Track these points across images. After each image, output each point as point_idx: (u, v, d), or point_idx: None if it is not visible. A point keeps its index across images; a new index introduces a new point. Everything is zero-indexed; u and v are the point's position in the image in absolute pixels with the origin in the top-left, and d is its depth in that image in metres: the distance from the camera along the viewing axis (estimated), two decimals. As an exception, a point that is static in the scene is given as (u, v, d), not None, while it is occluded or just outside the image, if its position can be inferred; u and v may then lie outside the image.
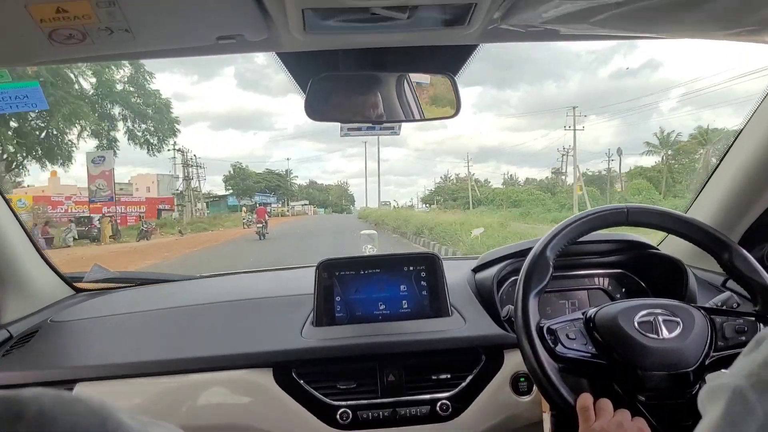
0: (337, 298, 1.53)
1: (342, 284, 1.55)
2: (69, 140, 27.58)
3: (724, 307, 1.25)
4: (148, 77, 31.01)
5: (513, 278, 1.62)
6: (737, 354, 0.60)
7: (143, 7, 0.88)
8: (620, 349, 1.14)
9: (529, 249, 1.28)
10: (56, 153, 26.80)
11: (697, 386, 1.13)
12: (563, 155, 48.98)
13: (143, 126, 32.04)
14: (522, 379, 1.44)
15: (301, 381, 1.41)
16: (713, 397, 0.52)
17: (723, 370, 1.12)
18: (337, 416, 1.38)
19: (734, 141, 1.55)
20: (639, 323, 1.15)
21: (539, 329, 1.17)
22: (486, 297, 1.57)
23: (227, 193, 64.43)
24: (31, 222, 23.00)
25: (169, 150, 40.11)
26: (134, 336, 1.56)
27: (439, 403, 1.41)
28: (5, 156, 25.63)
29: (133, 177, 46.23)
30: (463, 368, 1.45)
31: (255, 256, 15.53)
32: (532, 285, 1.21)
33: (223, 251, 18.65)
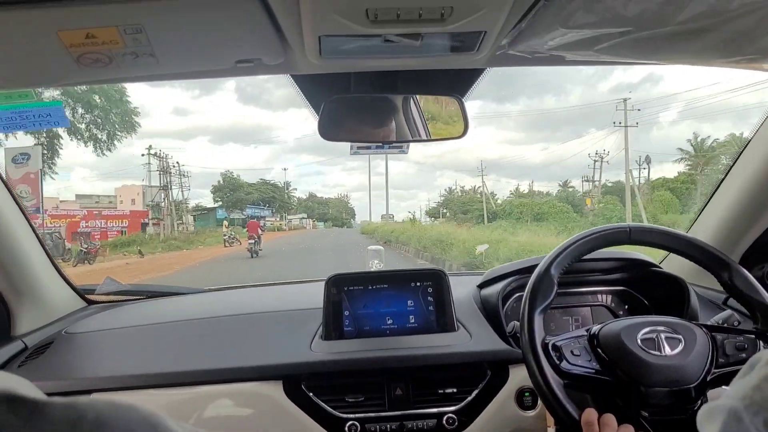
0: (346, 313, 1.56)
1: (350, 299, 1.58)
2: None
3: (725, 325, 1.28)
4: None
5: (518, 294, 1.65)
6: (738, 370, 0.63)
7: (168, 33, 0.91)
8: (624, 365, 1.17)
9: (533, 266, 1.31)
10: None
11: (699, 402, 1.15)
12: (595, 161, 43.83)
13: (88, 117, 27.42)
14: (527, 394, 1.46)
15: (311, 394, 1.44)
16: (710, 417, 0.55)
17: (724, 387, 1.14)
18: (346, 429, 1.40)
19: (736, 161, 1.59)
20: (642, 340, 1.18)
21: (544, 346, 1.20)
22: (491, 312, 1.60)
23: (216, 205, 60.50)
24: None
25: (143, 155, 38.26)
26: (146, 348, 1.59)
27: (445, 417, 1.43)
28: None
29: (118, 188, 43.91)
30: (469, 383, 1.48)
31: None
32: (538, 302, 1.24)
33: (182, 279, 15.37)
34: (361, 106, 1.35)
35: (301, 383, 1.44)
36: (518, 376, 1.46)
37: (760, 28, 0.93)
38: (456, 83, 1.34)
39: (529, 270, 1.31)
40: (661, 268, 1.71)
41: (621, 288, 1.72)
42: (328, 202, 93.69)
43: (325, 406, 1.43)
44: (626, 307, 1.70)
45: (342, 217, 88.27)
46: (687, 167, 43.14)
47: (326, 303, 1.57)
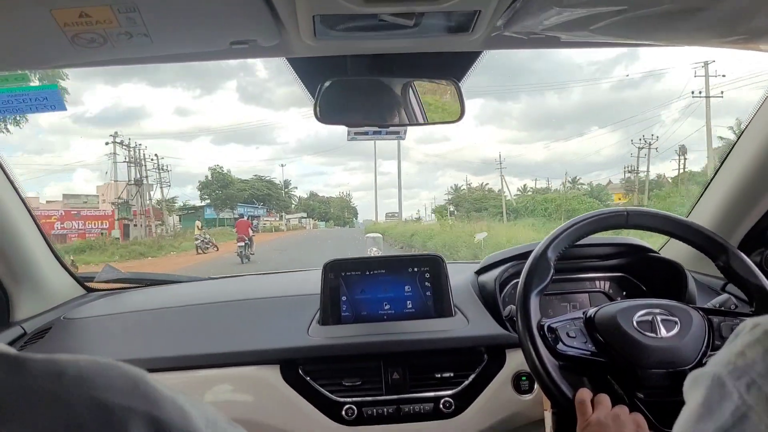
0: (343, 298, 1.57)
1: (348, 284, 1.58)
2: None
3: (722, 309, 1.28)
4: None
5: (515, 280, 1.65)
6: None
7: (162, 13, 0.91)
8: (619, 347, 1.17)
9: (530, 252, 1.31)
10: None
11: None
12: (640, 148, 37.45)
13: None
14: (524, 378, 1.47)
15: (308, 378, 1.44)
16: (695, 384, 0.55)
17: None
18: (343, 412, 1.41)
19: (733, 147, 1.58)
20: (638, 322, 1.18)
21: (540, 327, 1.20)
22: (488, 298, 1.60)
23: (203, 204, 53.77)
24: None
25: (107, 143, 32.60)
26: (145, 333, 1.60)
27: (442, 401, 1.44)
28: None
29: (100, 187, 36.93)
30: (466, 367, 1.48)
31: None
32: (534, 285, 1.24)
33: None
34: (357, 89, 1.35)
35: (298, 368, 1.45)
36: (515, 361, 1.46)
37: (754, 7, 0.93)
38: (453, 67, 1.34)
39: (527, 255, 1.31)
40: (658, 253, 1.71)
41: (619, 274, 1.72)
42: (329, 201, 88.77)
43: (323, 390, 1.43)
44: (624, 293, 1.70)
45: (344, 217, 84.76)
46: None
47: (323, 288, 1.57)
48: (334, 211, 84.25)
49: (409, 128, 1.46)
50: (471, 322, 1.53)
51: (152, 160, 36.46)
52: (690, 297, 1.51)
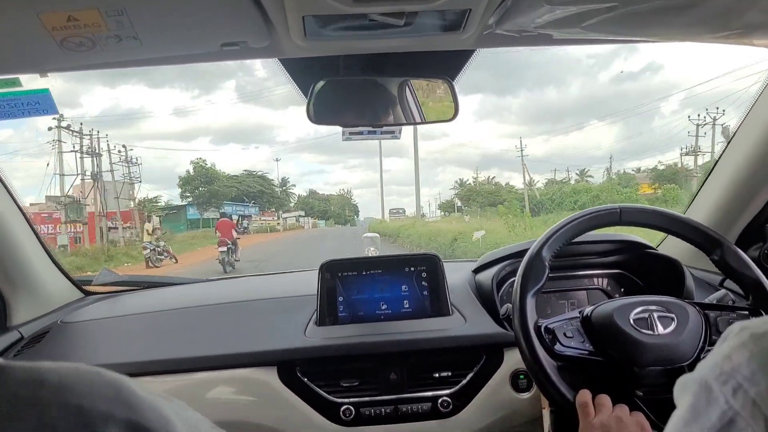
0: (340, 298, 1.56)
1: (344, 285, 1.58)
2: None
3: (719, 304, 1.28)
4: None
5: (512, 279, 1.64)
6: None
7: (150, 15, 0.91)
8: (617, 345, 1.17)
9: (527, 250, 1.31)
10: None
11: None
12: (700, 125, 31.18)
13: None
14: (521, 377, 1.46)
15: (305, 379, 1.44)
16: (684, 389, 0.55)
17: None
18: (341, 413, 1.41)
19: (729, 143, 1.58)
20: (634, 320, 1.18)
21: (537, 328, 1.20)
22: (486, 297, 1.60)
23: (185, 202, 46.74)
24: None
25: (50, 128, 25.80)
26: (142, 336, 1.60)
27: (440, 400, 1.43)
28: None
29: (76, 187, 29.34)
30: (464, 366, 1.48)
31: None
32: (529, 285, 1.24)
33: None
34: (350, 89, 1.34)
35: (295, 369, 1.45)
36: (513, 359, 1.46)
37: (746, 2, 0.92)
38: (446, 66, 1.33)
39: (523, 254, 1.31)
40: (656, 250, 1.71)
41: (617, 271, 1.72)
42: (329, 199, 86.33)
43: (320, 391, 1.43)
44: (622, 290, 1.70)
45: (345, 215, 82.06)
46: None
47: (320, 289, 1.57)
48: (334, 209, 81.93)
49: (405, 127, 1.46)
50: (468, 321, 1.53)
51: (119, 152, 31.13)
52: (688, 293, 1.50)
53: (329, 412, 1.41)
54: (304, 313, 1.58)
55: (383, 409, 1.42)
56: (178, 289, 2.01)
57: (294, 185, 79.08)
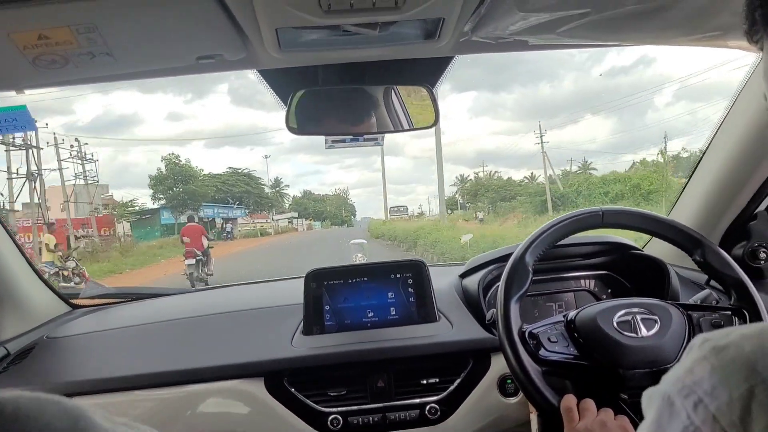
0: (326, 307, 1.56)
1: (330, 293, 1.57)
2: None
3: (702, 304, 1.28)
4: None
5: (498, 283, 1.64)
6: None
7: (122, 31, 0.91)
8: (601, 349, 1.17)
9: (512, 254, 1.31)
10: None
11: None
12: None
13: None
14: (509, 381, 1.46)
15: (293, 389, 1.43)
16: (649, 403, 0.55)
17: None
18: (328, 423, 1.40)
19: (710, 143, 1.58)
20: (618, 323, 1.18)
21: (521, 334, 1.19)
22: (472, 302, 1.59)
23: (158, 205, 41.19)
24: None
25: None
26: (129, 350, 1.59)
27: (428, 407, 1.43)
28: None
29: (49, 189, 25.70)
30: (451, 372, 1.47)
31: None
32: (513, 291, 1.23)
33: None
34: (329, 98, 1.34)
35: (283, 379, 1.44)
36: (500, 364, 1.46)
37: (718, 4, 0.93)
38: (425, 73, 1.34)
39: (509, 258, 1.31)
40: (641, 250, 1.71)
41: (603, 272, 1.72)
42: (325, 199, 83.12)
43: (308, 401, 1.42)
44: (609, 291, 1.70)
45: (341, 215, 79.61)
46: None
47: (306, 298, 1.56)
48: (330, 209, 79.23)
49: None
50: (455, 326, 1.53)
51: (72, 147, 27.06)
52: (673, 293, 1.51)
53: (317, 421, 1.41)
54: (291, 322, 1.57)
55: (371, 418, 1.42)
56: (166, 300, 2.00)
57: (287, 185, 76.90)
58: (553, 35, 1.04)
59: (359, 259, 1.99)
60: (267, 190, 59.66)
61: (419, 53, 1.15)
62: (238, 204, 50.35)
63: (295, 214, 63.63)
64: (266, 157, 74.80)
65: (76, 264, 14.92)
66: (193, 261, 12.88)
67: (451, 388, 1.46)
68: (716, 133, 1.54)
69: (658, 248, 1.75)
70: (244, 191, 51.60)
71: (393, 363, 1.47)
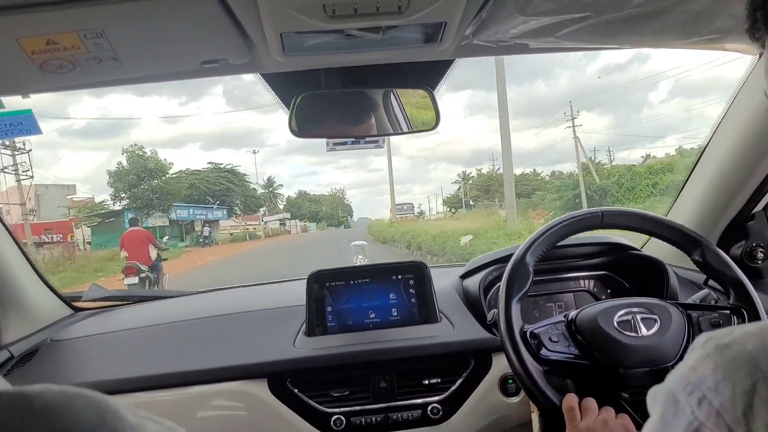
0: (329, 308, 1.57)
1: (333, 294, 1.58)
2: None
3: (702, 303, 1.29)
4: None
5: (499, 284, 1.65)
6: None
7: (129, 37, 0.92)
8: (601, 348, 1.18)
9: (512, 255, 1.32)
10: None
11: None
12: None
13: None
14: (510, 381, 1.47)
15: (295, 390, 1.45)
16: (653, 401, 0.56)
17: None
18: (331, 423, 1.41)
19: (708, 143, 1.60)
20: (618, 322, 1.19)
21: (523, 334, 1.20)
22: (473, 302, 1.61)
23: (120, 206, 33.88)
24: None
25: None
26: (133, 352, 1.60)
27: (430, 407, 1.44)
28: None
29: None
30: (453, 372, 1.49)
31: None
32: (514, 291, 1.25)
33: None
34: (331, 101, 1.35)
35: (285, 380, 1.45)
36: (501, 364, 1.47)
37: (716, 7, 0.94)
38: (426, 75, 1.35)
39: (509, 259, 1.32)
40: (640, 251, 1.72)
41: (602, 273, 1.73)
42: (320, 199, 79.00)
43: (310, 401, 1.44)
44: (608, 291, 1.71)
45: (338, 216, 76.32)
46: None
47: (309, 299, 1.57)
48: (326, 210, 75.65)
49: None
50: (456, 327, 1.54)
51: None
52: (672, 293, 1.52)
53: (320, 422, 1.42)
54: (293, 323, 1.58)
55: (374, 418, 1.43)
56: (168, 302, 2.01)
57: (281, 185, 71.02)
58: (553, 39, 1.06)
59: (360, 261, 2.00)
60: (254, 187, 52.96)
61: (421, 56, 1.17)
62: (218, 204, 43.84)
63: (287, 215, 58.21)
64: (254, 152, 72.13)
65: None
66: (136, 279, 9.76)
67: (453, 388, 1.47)
68: (714, 132, 1.56)
69: (656, 249, 1.76)
70: (225, 189, 44.75)
71: (395, 363, 1.48)
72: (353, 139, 1.46)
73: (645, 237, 1.84)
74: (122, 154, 35.95)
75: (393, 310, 1.58)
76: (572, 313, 1.26)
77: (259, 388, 1.45)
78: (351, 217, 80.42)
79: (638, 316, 1.19)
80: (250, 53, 1.05)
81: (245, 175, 49.66)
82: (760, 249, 1.60)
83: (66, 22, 0.85)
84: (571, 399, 1.13)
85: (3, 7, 0.81)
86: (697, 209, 1.66)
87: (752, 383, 0.46)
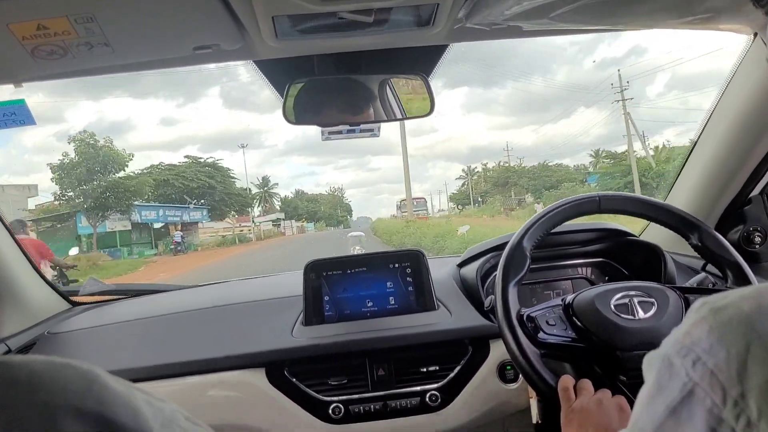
0: (326, 298, 1.57)
1: (330, 284, 1.58)
2: None
3: (699, 287, 1.29)
4: None
5: (496, 271, 1.66)
6: None
7: (120, 21, 0.92)
8: (598, 331, 1.18)
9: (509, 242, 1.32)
10: None
11: None
12: None
13: None
14: (508, 368, 1.47)
15: (294, 379, 1.45)
16: (649, 366, 0.57)
17: None
18: (330, 411, 1.41)
19: (704, 128, 1.60)
20: (615, 305, 1.19)
21: (519, 317, 1.21)
22: (470, 290, 1.61)
23: (72, 208, 29.22)
24: None
25: None
26: (130, 343, 1.60)
27: (428, 395, 1.44)
28: None
29: None
30: (451, 359, 1.49)
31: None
32: (511, 275, 1.25)
33: None
34: (326, 88, 1.35)
35: (284, 369, 1.45)
36: (499, 351, 1.47)
37: None
38: (420, 62, 1.35)
39: (506, 246, 1.32)
40: (637, 237, 1.72)
41: (600, 259, 1.74)
42: (318, 199, 77.83)
43: (309, 390, 1.44)
44: (606, 278, 1.71)
45: (337, 215, 76.07)
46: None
47: (306, 289, 1.57)
48: (324, 210, 74.27)
49: (389, 123, 1.46)
50: (454, 314, 1.54)
51: None
52: (669, 278, 1.52)
53: (319, 411, 1.42)
54: (291, 313, 1.58)
55: (372, 406, 1.43)
56: (165, 295, 2.01)
57: (276, 183, 68.78)
58: (546, 20, 1.05)
59: (357, 251, 2.00)
60: (242, 185, 47.20)
61: (414, 41, 1.16)
62: (196, 204, 38.45)
63: (282, 215, 55.30)
64: (242, 146, 62.04)
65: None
66: None
67: (451, 375, 1.47)
68: (709, 118, 1.56)
69: (653, 235, 1.76)
70: (204, 185, 38.63)
71: (393, 351, 1.48)
72: (348, 128, 1.46)
73: (642, 223, 1.84)
74: (69, 143, 29.24)
75: (390, 298, 1.58)
76: (569, 297, 1.26)
77: (258, 378, 1.45)
78: (350, 217, 79.97)
79: (635, 299, 1.19)
80: (242, 39, 1.05)
81: (229, 169, 44.52)
82: (757, 233, 1.60)
83: (57, 6, 0.85)
84: (566, 380, 1.14)
85: None
86: (694, 195, 1.66)
87: (746, 343, 0.46)
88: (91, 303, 1.97)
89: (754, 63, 1.35)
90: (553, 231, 1.33)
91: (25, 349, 1.58)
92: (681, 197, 1.70)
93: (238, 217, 45.16)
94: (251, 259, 21.38)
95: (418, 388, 1.45)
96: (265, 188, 61.43)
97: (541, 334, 1.20)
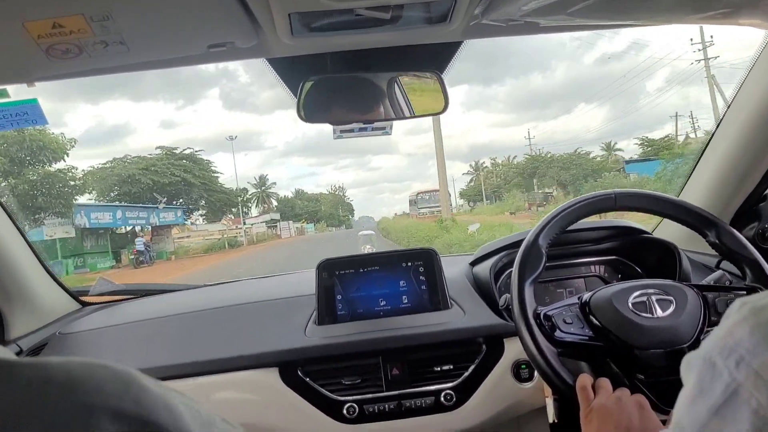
0: (339, 297, 1.56)
1: (342, 283, 1.58)
2: None
3: (717, 285, 1.28)
4: None
5: (510, 269, 1.64)
6: None
7: (136, 20, 0.91)
8: (616, 330, 1.17)
9: (523, 240, 1.31)
10: None
11: None
12: None
13: None
14: (523, 366, 1.46)
15: (307, 379, 1.44)
16: (688, 367, 0.56)
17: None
18: (344, 411, 1.41)
19: (719, 124, 1.58)
20: (633, 304, 1.18)
21: (536, 316, 1.20)
22: (484, 288, 1.60)
23: None
24: None
25: None
26: (142, 343, 1.59)
27: (443, 394, 1.44)
28: None
29: None
30: (465, 359, 1.48)
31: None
32: (527, 273, 1.24)
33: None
34: (340, 86, 1.34)
35: (297, 369, 1.45)
36: (514, 350, 1.46)
37: None
38: (434, 59, 1.34)
39: (520, 244, 1.31)
40: (651, 234, 1.71)
41: (613, 257, 1.72)
42: (319, 198, 74.67)
43: (322, 390, 1.43)
44: (619, 276, 1.70)
45: (338, 215, 73.77)
46: None
47: (318, 288, 1.57)
48: (325, 210, 71.74)
49: (395, 122, 1.45)
50: (467, 313, 1.53)
51: None
52: (684, 275, 1.51)
53: (332, 410, 1.41)
54: (304, 313, 1.58)
55: (386, 405, 1.42)
56: (176, 295, 2.00)
57: (274, 183, 64.95)
58: (563, 15, 1.04)
59: (368, 250, 1.99)
60: (212, 176, 38.49)
61: (430, 38, 1.15)
62: (167, 204, 32.34)
63: (277, 215, 49.82)
64: (231, 138, 58.70)
65: None
66: None
67: (466, 374, 1.46)
68: (725, 114, 1.54)
69: (667, 232, 1.75)
70: (182, 182, 32.81)
71: (407, 351, 1.47)
72: (361, 126, 1.45)
73: (655, 220, 1.82)
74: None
75: (403, 297, 1.57)
76: (586, 295, 1.25)
77: (271, 377, 1.44)
78: (353, 217, 78.76)
79: (653, 297, 1.19)
80: (257, 36, 1.04)
81: (210, 162, 37.93)
82: (773, 230, 1.59)
83: (73, 4, 0.84)
84: (584, 379, 1.13)
85: None
86: (708, 192, 1.65)
87: None
88: (101, 303, 1.96)
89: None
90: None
91: (36, 349, 1.58)
92: (695, 194, 1.69)
93: (234, 219, 41.96)
94: (238, 269, 17.97)
95: (432, 388, 1.45)
96: (263, 188, 59.18)
97: (558, 333, 1.19)
